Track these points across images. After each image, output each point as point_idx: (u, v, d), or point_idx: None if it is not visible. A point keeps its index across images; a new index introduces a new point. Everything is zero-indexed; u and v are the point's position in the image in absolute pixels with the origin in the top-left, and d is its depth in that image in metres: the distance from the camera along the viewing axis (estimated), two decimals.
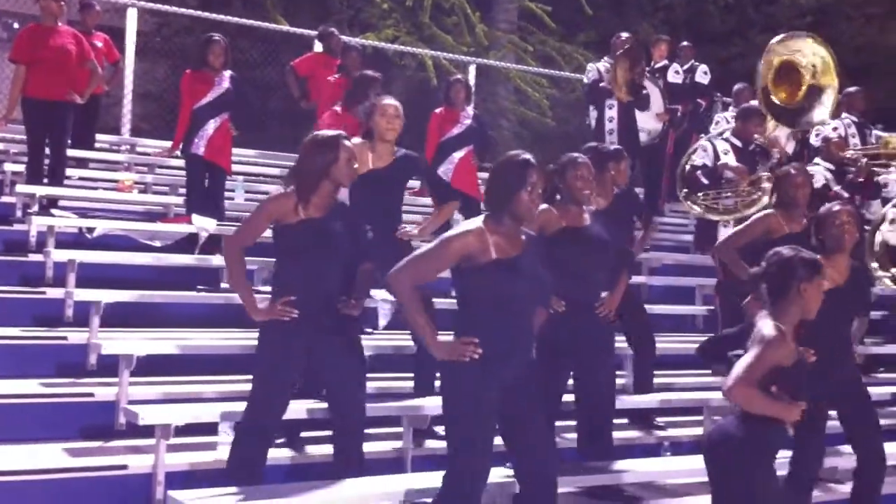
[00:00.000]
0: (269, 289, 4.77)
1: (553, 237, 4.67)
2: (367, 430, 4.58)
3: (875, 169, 7.75)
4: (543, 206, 4.65)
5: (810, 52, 7.57)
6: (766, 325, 3.70)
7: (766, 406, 3.66)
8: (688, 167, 7.87)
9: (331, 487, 4.10)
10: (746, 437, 3.70)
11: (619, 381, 5.74)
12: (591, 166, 4.85)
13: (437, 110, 8.33)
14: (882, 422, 6.45)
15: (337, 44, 9.31)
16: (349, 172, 4.34)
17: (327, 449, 4.56)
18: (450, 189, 7.95)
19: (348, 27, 13.46)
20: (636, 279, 8.67)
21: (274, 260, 4.50)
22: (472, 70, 11.28)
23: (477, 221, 3.84)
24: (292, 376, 4.39)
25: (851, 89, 9.24)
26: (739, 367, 3.64)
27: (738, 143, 7.42)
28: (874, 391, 6.99)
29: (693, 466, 5.07)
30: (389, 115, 5.27)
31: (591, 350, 4.82)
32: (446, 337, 3.88)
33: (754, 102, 8.26)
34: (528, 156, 3.86)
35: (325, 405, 4.54)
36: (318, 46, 9.99)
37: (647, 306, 8.22)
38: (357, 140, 5.18)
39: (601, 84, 9.01)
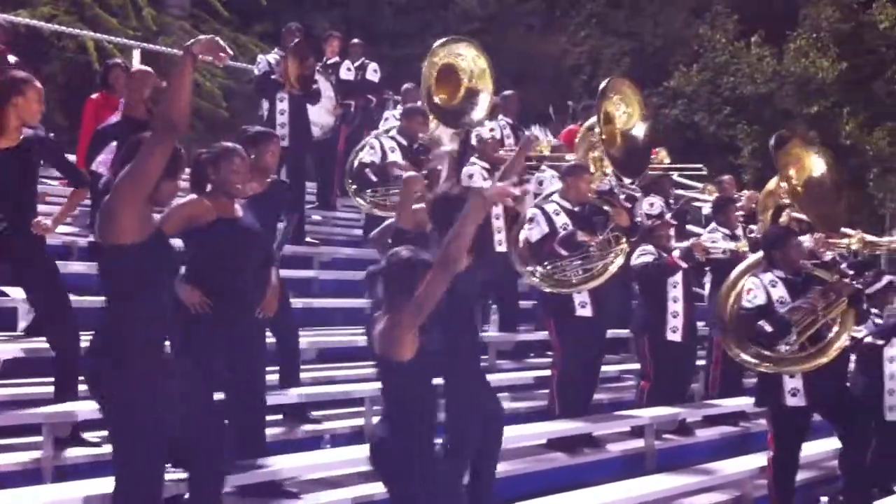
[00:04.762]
0: None
1: (205, 229, 4.50)
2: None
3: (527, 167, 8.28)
4: (193, 196, 4.53)
5: (469, 57, 7.96)
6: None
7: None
8: (356, 164, 7.99)
9: None
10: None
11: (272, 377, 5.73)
12: (245, 157, 4.72)
13: (94, 96, 7.85)
14: (526, 404, 7.00)
15: None
16: None
17: None
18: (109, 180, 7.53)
19: None
20: (307, 273, 8.72)
21: None
22: (136, 55, 10.70)
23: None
24: None
25: (507, 93, 9.81)
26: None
27: (403, 141, 7.63)
28: (524, 375, 7.57)
29: (351, 457, 5.17)
30: None
31: (244, 345, 4.68)
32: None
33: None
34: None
35: None
36: None
37: (317, 300, 8.36)
38: None
39: (272, 76, 8.90)
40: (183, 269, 4.53)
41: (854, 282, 6.41)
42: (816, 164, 6.66)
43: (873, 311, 6.38)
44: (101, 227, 3.62)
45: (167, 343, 4.04)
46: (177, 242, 4.54)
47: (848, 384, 6.33)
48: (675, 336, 6.94)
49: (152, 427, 3.61)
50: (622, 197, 8.34)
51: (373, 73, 10.88)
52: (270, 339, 5.58)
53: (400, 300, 3.76)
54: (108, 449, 4.81)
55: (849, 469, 5.88)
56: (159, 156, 3.47)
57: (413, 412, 3.82)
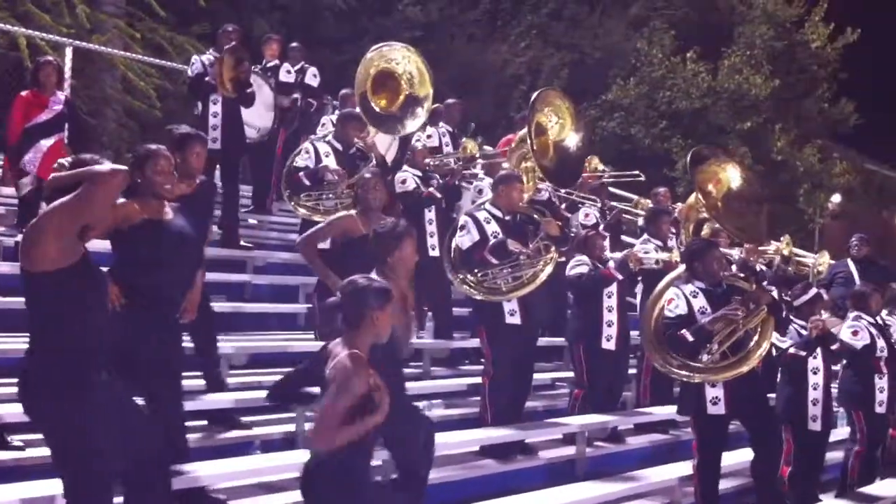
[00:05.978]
0: None
1: (132, 230, 4.41)
2: None
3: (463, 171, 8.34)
4: (122, 199, 4.42)
5: (406, 63, 7.95)
6: (345, 358, 3.63)
7: (352, 434, 3.60)
8: (290, 168, 7.94)
9: None
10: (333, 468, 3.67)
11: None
12: (170, 158, 4.64)
13: (23, 93, 7.66)
14: (460, 411, 7.01)
15: None
16: None
17: None
18: (35, 178, 7.38)
19: None
20: (241, 277, 8.62)
21: None
22: (68, 53, 10.45)
23: None
24: None
25: (449, 101, 9.86)
26: (320, 415, 3.59)
27: (338, 146, 7.59)
28: (458, 382, 7.58)
29: (283, 463, 5.11)
30: None
31: (174, 350, 4.62)
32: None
33: None
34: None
35: None
36: None
37: (250, 304, 8.27)
38: None
39: (206, 78, 8.78)
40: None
41: (781, 293, 6.54)
42: (733, 179, 6.83)
43: (799, 322, 6.51)
44: (25, 251, 3.44)
45: None
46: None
47: (773, 394, 6.46)
48: (608, 344, 7.01)
49: (98, 450, 3.51)
50: (563, 206, 8.44)
51: (312, 77, 10.79)
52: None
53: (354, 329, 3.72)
54: (31, 453, 4.74)
55: (758, 476, 5.96)
56: (102, 195, 3.43)
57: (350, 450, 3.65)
